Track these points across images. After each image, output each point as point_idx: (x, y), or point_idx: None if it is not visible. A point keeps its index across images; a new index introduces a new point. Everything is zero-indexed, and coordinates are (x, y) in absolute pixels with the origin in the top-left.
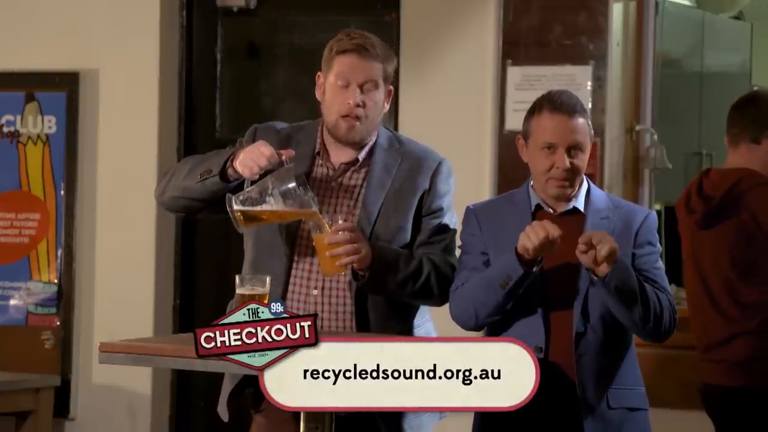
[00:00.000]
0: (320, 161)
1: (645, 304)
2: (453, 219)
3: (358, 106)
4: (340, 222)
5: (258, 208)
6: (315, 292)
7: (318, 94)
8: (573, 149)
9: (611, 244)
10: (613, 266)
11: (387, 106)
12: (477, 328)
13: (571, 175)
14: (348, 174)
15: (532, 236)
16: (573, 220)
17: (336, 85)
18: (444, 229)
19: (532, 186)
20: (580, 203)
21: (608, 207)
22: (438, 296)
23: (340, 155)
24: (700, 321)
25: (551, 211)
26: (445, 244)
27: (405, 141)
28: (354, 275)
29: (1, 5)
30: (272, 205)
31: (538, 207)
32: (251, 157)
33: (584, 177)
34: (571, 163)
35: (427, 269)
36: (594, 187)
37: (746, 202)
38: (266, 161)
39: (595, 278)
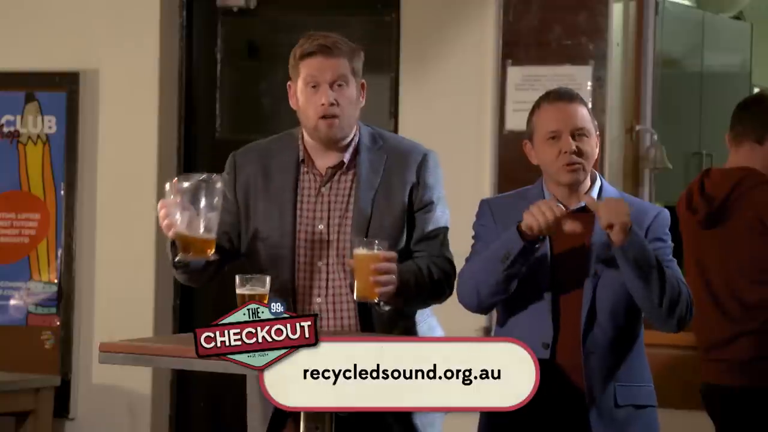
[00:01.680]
0: (305, 169)
1: (661, 280)
2: (446, 211)
3: (332, 104)
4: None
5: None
6: (318, 300)
7: (292, 103)
8: (577, 134)
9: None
10: (630, 236)
11: (363, 101)
12: (480, 309)
13: (580, 158)
14: (336, 177)
15: (539, 217)
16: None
17: (307, 89)
18: (438, 222)
19: (545, 183)
20: None
21: None
22: (446, 296)
23: (325, 160)
24: (703, 321)
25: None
26: (441, 238)
27: (388, 137)
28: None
29: (1, 5)
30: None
31: None
32: (166, 231)
33: (598, 175)
34: (577, 146)
35: (437, 275)
36: (607, 185)
37: (750, 202)
38: (173, 216)
39: (614, 248)
